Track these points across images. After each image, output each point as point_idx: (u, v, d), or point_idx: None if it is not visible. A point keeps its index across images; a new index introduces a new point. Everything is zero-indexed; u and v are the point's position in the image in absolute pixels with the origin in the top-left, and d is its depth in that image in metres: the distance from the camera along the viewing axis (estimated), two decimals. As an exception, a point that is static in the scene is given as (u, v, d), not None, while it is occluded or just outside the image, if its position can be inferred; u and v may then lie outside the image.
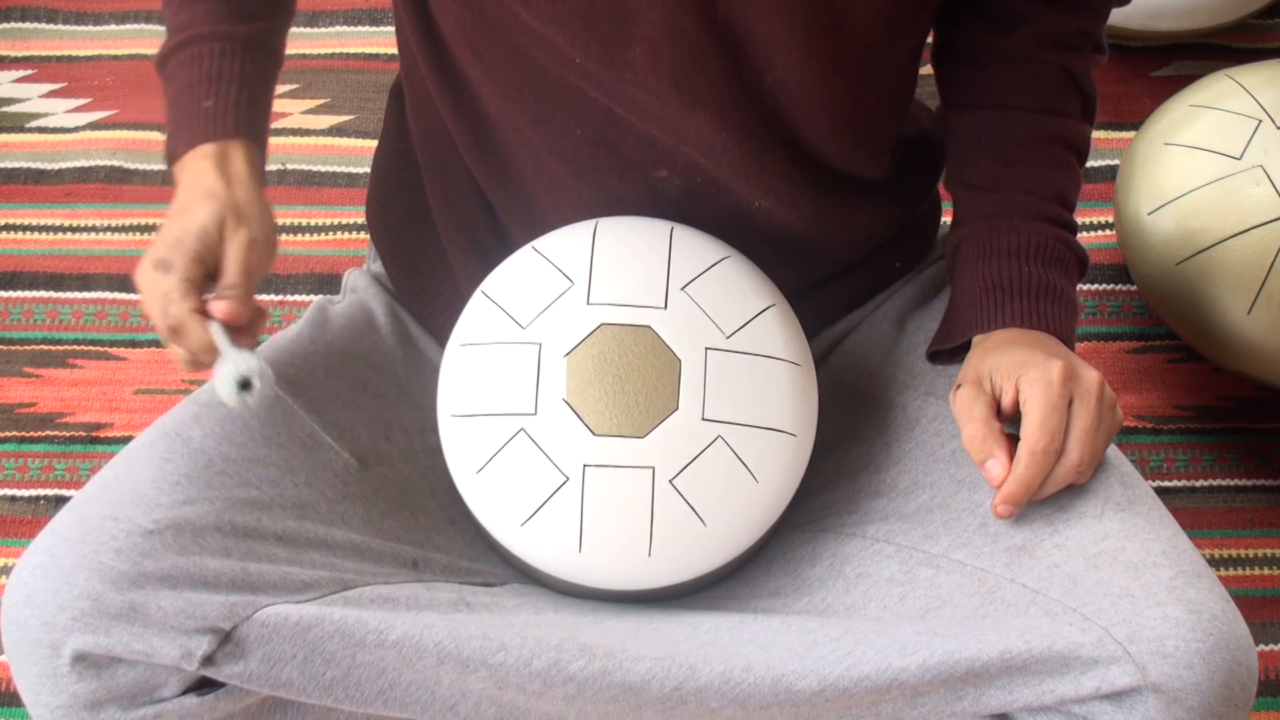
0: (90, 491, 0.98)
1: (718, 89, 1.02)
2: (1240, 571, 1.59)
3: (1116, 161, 1.86)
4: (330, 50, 1.97)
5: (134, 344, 1.72)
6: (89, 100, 1.92)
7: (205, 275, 1.00)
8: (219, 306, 0.99)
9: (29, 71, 1.95)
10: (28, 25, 1.99)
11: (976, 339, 1.08)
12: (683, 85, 1.01)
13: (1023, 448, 0.99)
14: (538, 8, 0.99)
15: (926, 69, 1.19)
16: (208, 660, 0.93)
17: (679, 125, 1.04)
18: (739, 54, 1.01)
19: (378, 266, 1.24)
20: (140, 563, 0.93)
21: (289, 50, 1.97)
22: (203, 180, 1.03)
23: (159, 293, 0.99)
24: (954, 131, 1.15)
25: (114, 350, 1.72)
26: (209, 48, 1.06)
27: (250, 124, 1.07)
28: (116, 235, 1.80)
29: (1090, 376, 1.00)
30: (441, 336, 1.17)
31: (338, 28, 1.99)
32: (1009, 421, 1.03)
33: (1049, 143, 1.11)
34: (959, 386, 1.05)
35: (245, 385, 0.97)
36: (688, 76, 1.01)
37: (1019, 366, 1.01)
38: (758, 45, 1.00)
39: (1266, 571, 1.59)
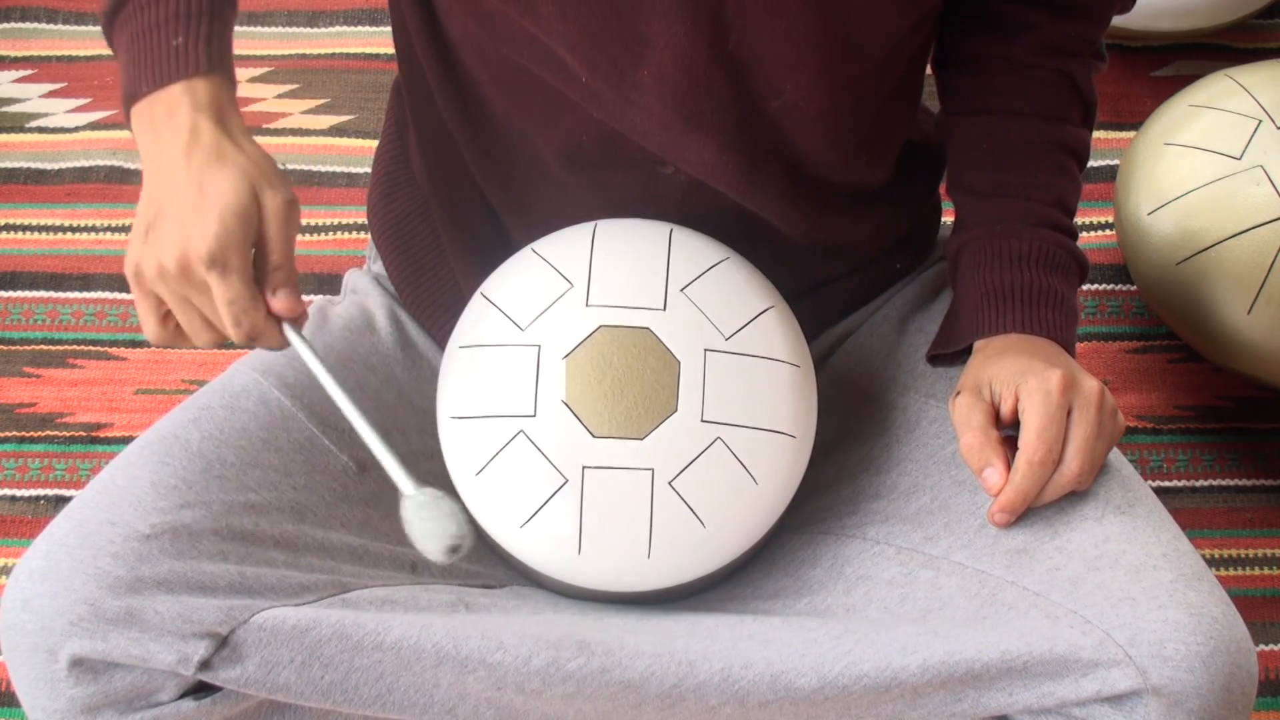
0: (88, 496, 0.97)
1: (722, 115, 1.02)
2: (1240, 571, 1.59)
3: (1116, 161, 1.86)
4: (330, 50, 1.97)
5: (134, 344, 1.72)
6: (89, 100, 1.92)
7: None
8: (282, 303, 0.94)
9: (29, 71, 1.95)
10: (28, 25, 1.99)
11: (977, 345, 1.08)
12: (688, 112, 1.01)
13: (1020, 458, 0.99)
14: (547, 26, 0.98)
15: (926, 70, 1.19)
16: (204, 665, 0.93)
17: (680, 149, 1.04)
18: (747, 80, 1.01)
19: (378, 267, 1.24)
20: (137, 568, 0.93)
21: (289, 50, 1.98)
22: (201, 136, 0.94)
23: (226, 299, 0.92)
24: (955, 137, 1.15)
25: (114, 350, 1.72)
26: None
27: (224, 62, 0.98)
28: (116, 235, 1.80)
29: (1090, 385, 1.00)
30: (441, 338, 1.17)
31: (338, 28, 1.99)
32: (1009, 426, 1.03)
33: (1050, 149, 1.11)
34: (958, 394, 1.05)
35: (456, 549, 0.93)
36: (693, 103, 1.01)
37: (1018, 375, 1.01)
38: (767, 71, 1.00)
39: (1266, 571, 1.59)
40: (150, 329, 0.96)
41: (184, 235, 0.91)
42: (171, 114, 0.94)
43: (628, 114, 1.02)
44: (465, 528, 0.93)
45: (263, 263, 0.94)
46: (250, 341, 0.94)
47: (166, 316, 0.96)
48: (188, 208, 0.92)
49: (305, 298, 1.74)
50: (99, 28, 1.98)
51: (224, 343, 0.96)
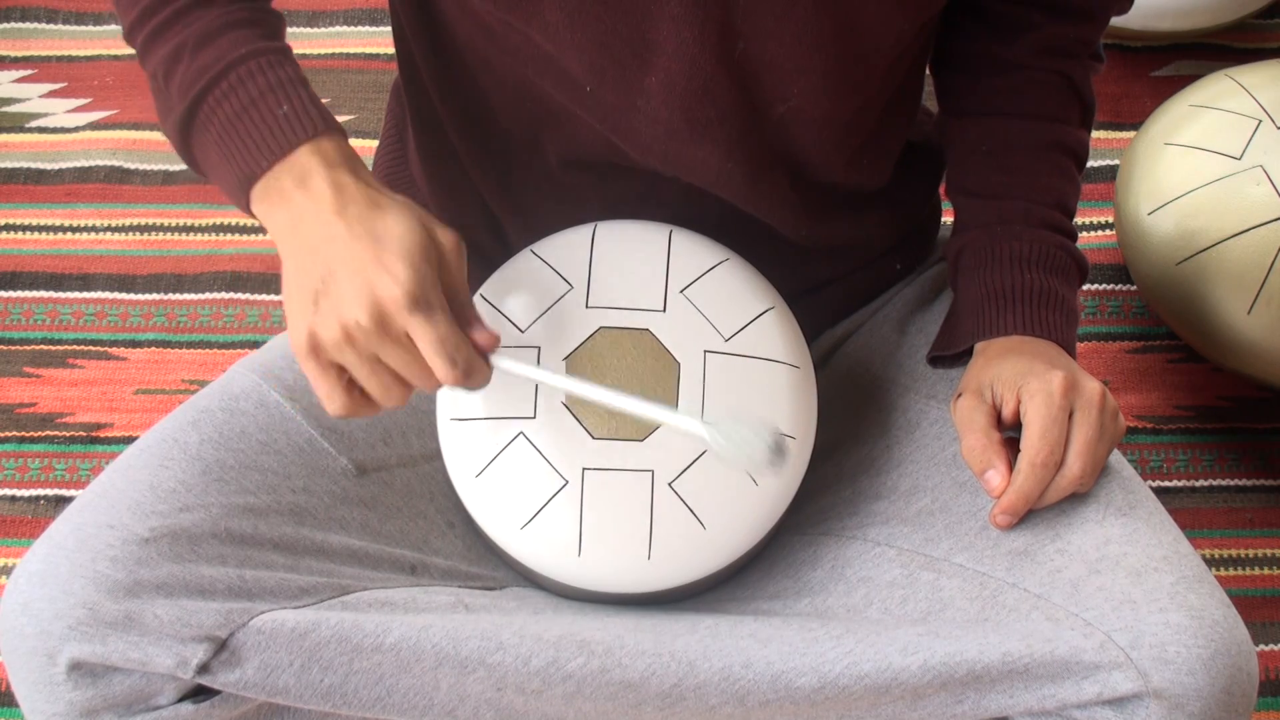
0: (87, 499, 0.97)
1: (728, 122, 1.02)
2: (1240, 571, 1.59)
3: (1116, 161, 1.85)
4: (330, 50, 1.97)
5: (134, 344, 1.72)
6: (89, 100, 1.92)
7: None
8: (485, 335, 0.92)
9: (29, 71, 1.95)
10: (28, 25, 1.99)
11: (978, 346, 1.08)
12: (693, 119, 1.01)
13: (1022, 459, 0.99)
14: (555, 34, 0.98)
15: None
16: (203, 668, 0.93)
17: (684, 158, 1.04)
18: (754, 87, 1.01)
19: (378, 268, 1.24)
20: (136, 571, 0.93)
21: (288, 50, 1.98)
22: (347, 190, 0.90)
23: (435, 338, 0.88)
24: (954, 139, 1.15)
25: (114, 350, 1.72)
26: (255, 63, 0.93)
27: (335, 122, 0.94)
28: (116, 235, 1.80)
29: (1092, 387, 1.00)
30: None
31: (338, 28, 1.99)
32: (1011, 428, 1.03)
33: (1050, 150, 1.11)
34: (960, 395, 1.05)
35: (779, 448, 0.92)
36: (699, 110, 1.00)
37: (1020, 377, 1.01)
38: (774, 76, 1.00)
39: (1266, 571, 1.59)
40: (337, 402, 0.92)
41: (371, 286, 0.87)
42: (303, 180, 0.91)
43: (633, 123, 1.02)
44: (771, 428, 0.93)
45: (452, 301, 0.92)
46: (464, 381, 0.90)
47: (351, 385, 0.92)
48: (365, 259, 0.88)
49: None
50: (99, 27, 1.99)
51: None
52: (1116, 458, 1.05)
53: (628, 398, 0.95)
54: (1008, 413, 1.02)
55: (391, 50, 1.67)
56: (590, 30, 0.97)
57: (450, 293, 0.92)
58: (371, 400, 0.92)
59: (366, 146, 1.86)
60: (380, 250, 0.88)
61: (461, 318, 0.92)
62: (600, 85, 1.00)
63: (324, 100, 1.87)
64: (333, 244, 0.89)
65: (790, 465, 0.95)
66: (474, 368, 0.91)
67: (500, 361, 0.94)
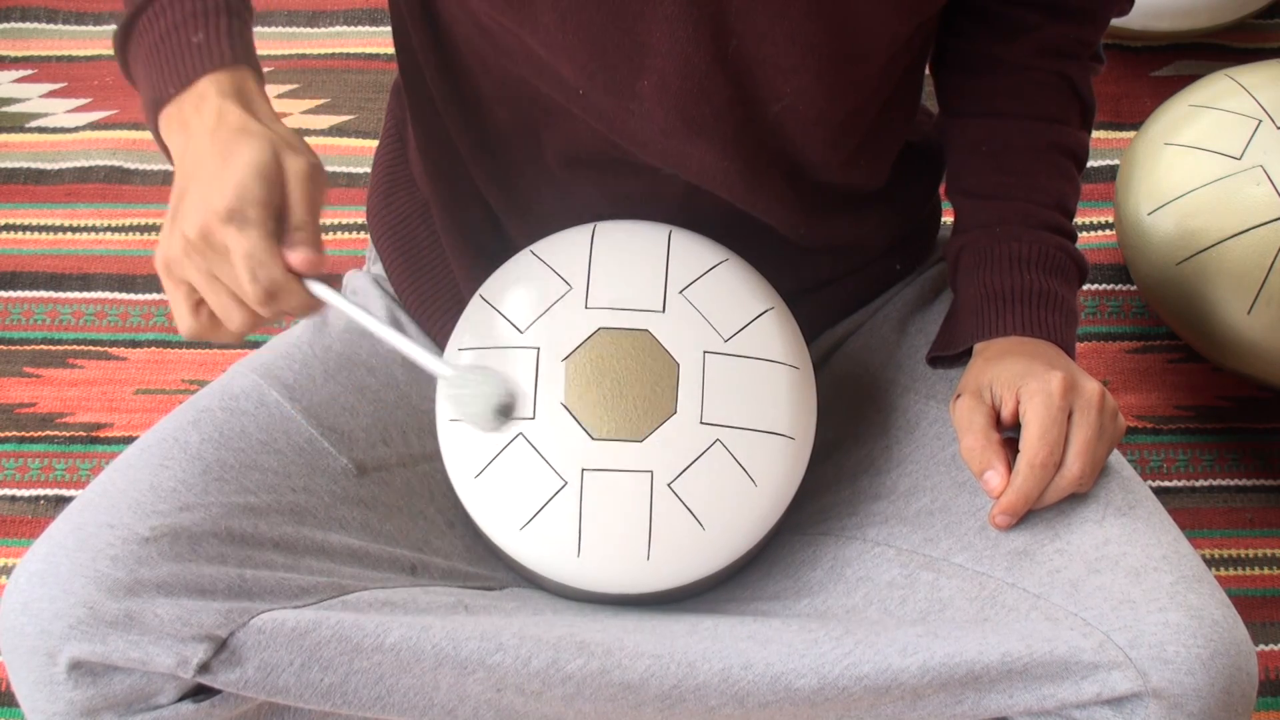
0: (87, 498, 0.97)
1: (723, 120, 1.02)
2: (1240, 571, 1.59)
3: (1116, 161, 1.85)
4: (330, 50, 1.97)
5: (134, 344, 1.72)
6: (89, 100, 1.92)
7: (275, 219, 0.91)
8: (298, 257, 0.90)
9: (29, 71, 1.95)
10: (28, 25, 1.99)
11: (977, 347, 1.08)
12: (688, 117, 1.01)
13: (1021, 460, 0.99)
14: (548, 36, 0.98)
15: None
16: (204, 668, 0.93)
17: (681, 156, 1.04)
18: (748, 84, 1.01)
19: (378, 268, 1.24)
20: (137, 570, 0.93)
21: (289, 50, 1.98)
22: (227, 118, 0.92)
23: (241, 252, 0.88)
24: (954, 139, 1.15)
25: (114, 350, 1.72)
26: None
27: (248, 54, 0.96)
28: (116, 235, 1.80)
29: (1091, 388, 1.00)
30: (441, 340, 1.17)
31: (338, 28, 1.99)
32: (1010, 429, 1.03)
33: (1049, 151, 1.11)
34: (959, 396, 1.05)
35: (506, 411, 0.94)
36: (695, 108, 1.00)
37: (1019, 378, 1.01)
38: (769, 75, 1.00)
39: (1266, 571, 1.59)
40: (183, 320, 0.94)
41: (205, 201, 0.89)
42: (199, 106, 0.93)
43: (629, 124, 1.02)
44: (509, 384, 0.94)
45: (285, 224, 0.92)
46: (271, 302, 0.90)
47: (198, 306, 0.93)
48: (209, 177, 0.90)
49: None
50: (99, 27, 2.00)
51: (258, 327, 0.93)
52: (1116, 458, 1.05)
53: (386, 328, 0.96)
54: (1007, 413, 1.02)
55: (391, 50, 1.67)
56: (582, 33, 0.97)
57: (286, 216, 0.91)
58: (219, 323, 0.93)
59: (366, 146, 1.86)
60: (221, 169, 0.90)
61: (284, 239, 0.91)
62: (591, 89, 1.00)
63: (323, 100, 1.90)
64: (197, 164, 0.91)
65: (515, 416, 0.98)
66: (280, 288, 0.90)
67: (313, 286, 0.93)
